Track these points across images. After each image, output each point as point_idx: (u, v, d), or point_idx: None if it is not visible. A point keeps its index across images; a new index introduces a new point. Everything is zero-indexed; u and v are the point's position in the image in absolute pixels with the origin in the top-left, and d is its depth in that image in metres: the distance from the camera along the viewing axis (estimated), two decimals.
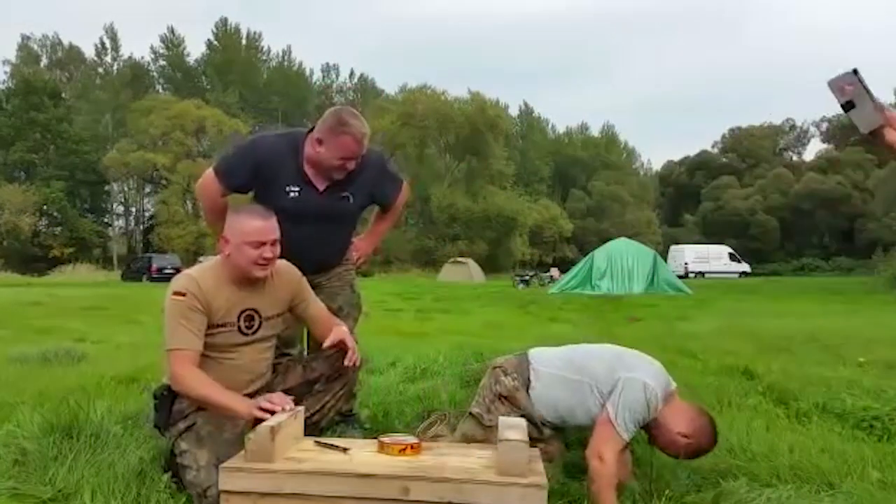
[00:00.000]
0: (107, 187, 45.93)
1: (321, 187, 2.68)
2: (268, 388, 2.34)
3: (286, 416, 2.00)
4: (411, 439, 2.05)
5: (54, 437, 2.49)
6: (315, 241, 2.72)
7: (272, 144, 2.70)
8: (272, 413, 1.99)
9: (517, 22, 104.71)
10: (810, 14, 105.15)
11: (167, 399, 2.23)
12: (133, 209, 50.51)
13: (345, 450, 1.99)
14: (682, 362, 5.29)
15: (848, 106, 1.47)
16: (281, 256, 2.46)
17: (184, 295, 2.16)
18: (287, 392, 2.19)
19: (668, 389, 2.26)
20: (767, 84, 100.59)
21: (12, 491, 2.16)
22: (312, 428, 2.32)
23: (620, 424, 2.15)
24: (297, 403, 2.16)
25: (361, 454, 1.97)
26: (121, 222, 49.95)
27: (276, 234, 2.26)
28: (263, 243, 2.24)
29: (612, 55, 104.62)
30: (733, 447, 2.65)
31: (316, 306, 2.51)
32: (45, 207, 39.84)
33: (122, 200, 49.62)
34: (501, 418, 2.11)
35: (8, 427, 2.68)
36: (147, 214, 49.04)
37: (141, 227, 48.95)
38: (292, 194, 2.63)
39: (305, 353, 2.92)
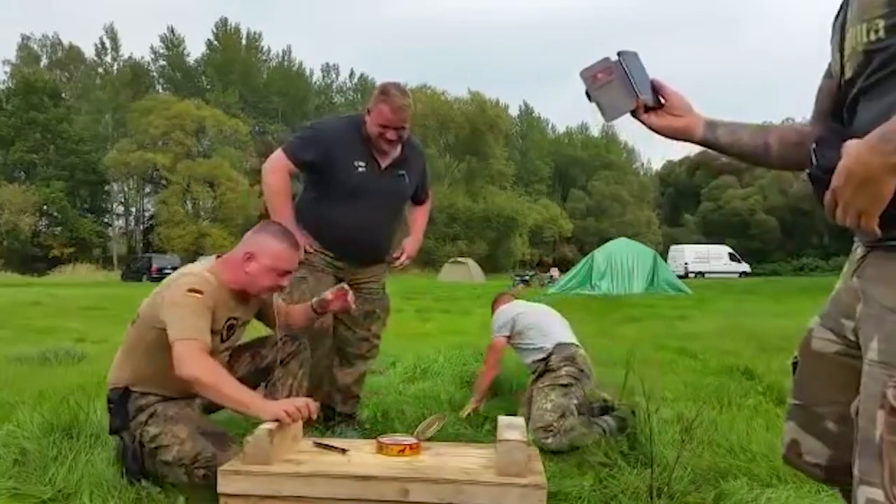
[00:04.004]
0: (107, 187, 45.84)
1: (383, 164, 2.82)
2: None
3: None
4: (410, 440, 2.05)
5: (54, 437, 2.49)
6: (375, 222, 2.85)
7: (338, 124, 2.88)
8: (294, 420, 1.98)
9: (517, 22, 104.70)
10: (809, 14, 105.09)
11: (122, 400, 2.20)
12: (133, 209, 50.40)
13: (343, 451, 1.99)
14: (682, 362, 5.28)
15: (593, 95, 1.23)
16: (342, 241, 2.66)
17: (201, 293, 2.13)
18: (239, 380, 2.12)
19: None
20: (767, 84, 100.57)
21: (12, 491, 2.15)
22: None
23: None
24: (253, 389, 2.24)
25: (360, 455, 1.97)
26: (121, 222, 49.84)
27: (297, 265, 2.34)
28: (289, 272, 2.26)
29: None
30: (733, 447, 2.64)
31: (272, 307, 2.52)
32: (45, 207, 39.78)
33: (122, 200, 49.51)
34: (501, 417, 2.11)
35: (8, 427, 2.68)
36: (147, 214, 48.94)
37: (141, 227, 48.85)
38: (360, 169, 2.76)
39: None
